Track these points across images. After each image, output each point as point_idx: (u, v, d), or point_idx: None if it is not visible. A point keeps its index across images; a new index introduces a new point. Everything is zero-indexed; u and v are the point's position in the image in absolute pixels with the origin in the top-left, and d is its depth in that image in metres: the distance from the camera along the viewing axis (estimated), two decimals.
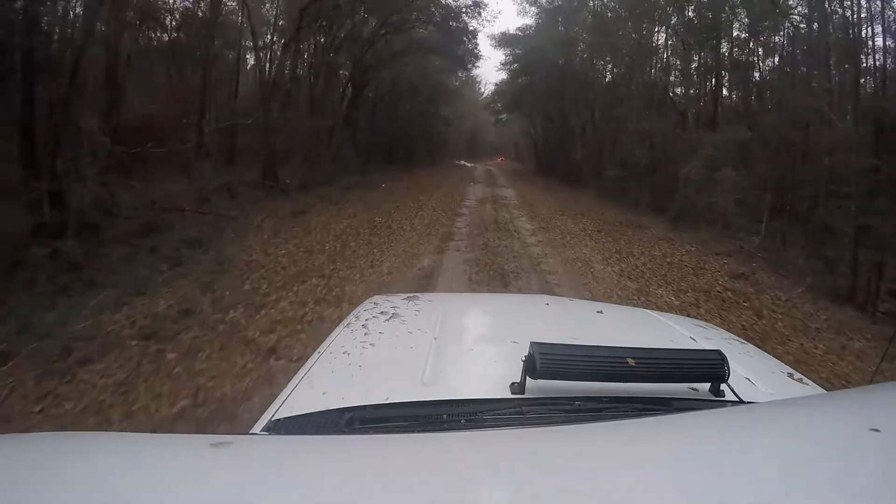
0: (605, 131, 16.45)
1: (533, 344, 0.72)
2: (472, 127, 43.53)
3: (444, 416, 0.69)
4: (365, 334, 1.02)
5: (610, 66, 17.20)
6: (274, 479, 0.44)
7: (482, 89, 36.35)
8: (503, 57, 23.39)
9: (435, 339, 0.98)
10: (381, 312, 1.16)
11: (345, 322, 1.14)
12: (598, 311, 1.30)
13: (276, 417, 0.74)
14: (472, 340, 1.10)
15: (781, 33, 10.52)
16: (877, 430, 0.50)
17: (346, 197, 10.22)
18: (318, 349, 0.99)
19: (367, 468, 0.48)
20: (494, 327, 1.24)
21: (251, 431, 0.71)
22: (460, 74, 23.62)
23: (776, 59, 11.19)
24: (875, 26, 7.90)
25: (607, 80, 17.36)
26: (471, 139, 46.99)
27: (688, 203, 9.37)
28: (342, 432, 0.67)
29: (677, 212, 9.52)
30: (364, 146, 17.76)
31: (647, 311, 1.66)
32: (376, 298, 1.31)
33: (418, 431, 0.67)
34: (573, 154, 19.48)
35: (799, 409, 0.68)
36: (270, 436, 0.69)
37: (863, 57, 7.94)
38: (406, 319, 1.12)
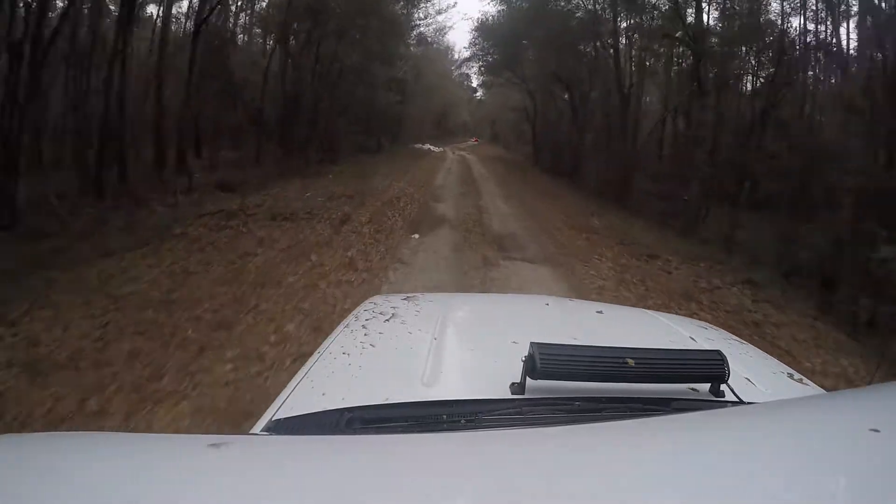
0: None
1: (533, 344, 0.72)
2: (444, 103, 34.91)
3: (444, 416, 0.69)
4: (364, 335, 1.01)
5: None
6: (274, 479, 0.43)
7: (456, 56, 27.25)
8: None
9: (435, 339, 0.97)
10: (381, 313, 1.15)
11: (344, 323, 1.13)
12: (598, 312, 1.29)
13: (276, 417, 0.74)
14: (472, 341, 1.09)
15: None
16: (877, 431, 0.50)
17: None
18: (318, 350, 0.99)
19: (367, 468, 0.48)
20: (494, 327, 1.20)
21: (251, 431, 0.72)
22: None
23: None
24: None
25: None
26: (441, 117, 38.14)
27: None
28: (342, 432, 0.67)
29: None
30: (214, 132, 8.12)
31: (648, 311, 1.65)
32: (376, 299, 1.31)
33: (418, 432, 0.67)
34: (637, 153, 10.25)
35: (799, 410, 0.68)
36: (270, 436, 0.69)
37: None
38: (406, 320, 1.11)
